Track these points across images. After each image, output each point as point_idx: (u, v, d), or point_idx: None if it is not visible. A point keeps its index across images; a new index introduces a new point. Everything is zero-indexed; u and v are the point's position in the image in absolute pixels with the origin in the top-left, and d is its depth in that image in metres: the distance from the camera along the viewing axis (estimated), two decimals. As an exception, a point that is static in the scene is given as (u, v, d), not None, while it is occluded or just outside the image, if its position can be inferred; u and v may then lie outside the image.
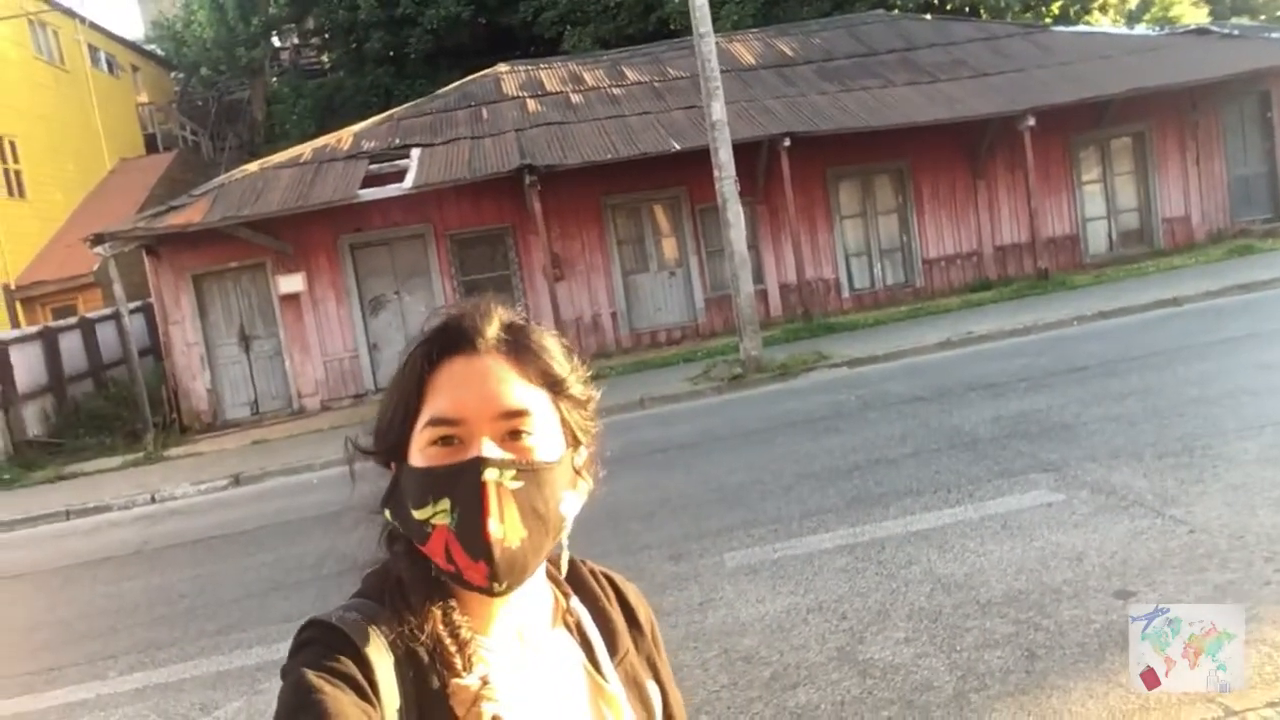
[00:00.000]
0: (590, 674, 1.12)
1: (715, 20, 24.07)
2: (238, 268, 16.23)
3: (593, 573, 1.20)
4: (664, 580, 5.74)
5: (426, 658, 0.99)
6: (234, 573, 7.74)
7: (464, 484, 0.97)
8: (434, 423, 1.00)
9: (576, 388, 1.09)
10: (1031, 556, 5.26)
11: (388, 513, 1.06)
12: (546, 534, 1.02)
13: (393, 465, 1.06)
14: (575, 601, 1.16)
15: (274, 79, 35.16)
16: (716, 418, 10.68)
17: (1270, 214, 18.40)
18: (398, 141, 16.84)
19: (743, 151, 14.62)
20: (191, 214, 15.23)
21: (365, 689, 0.94)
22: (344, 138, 17.43)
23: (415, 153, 16.19)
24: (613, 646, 1.15)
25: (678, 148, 15.29)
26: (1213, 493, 5.74)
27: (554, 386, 1.06)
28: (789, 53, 19.30)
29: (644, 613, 1.23)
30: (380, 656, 0.97)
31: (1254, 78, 17.41)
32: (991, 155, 17.21)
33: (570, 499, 1.06)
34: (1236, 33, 19.23)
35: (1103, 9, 23.37)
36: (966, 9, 23.58)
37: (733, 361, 13.38)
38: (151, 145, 30.98)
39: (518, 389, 1.02)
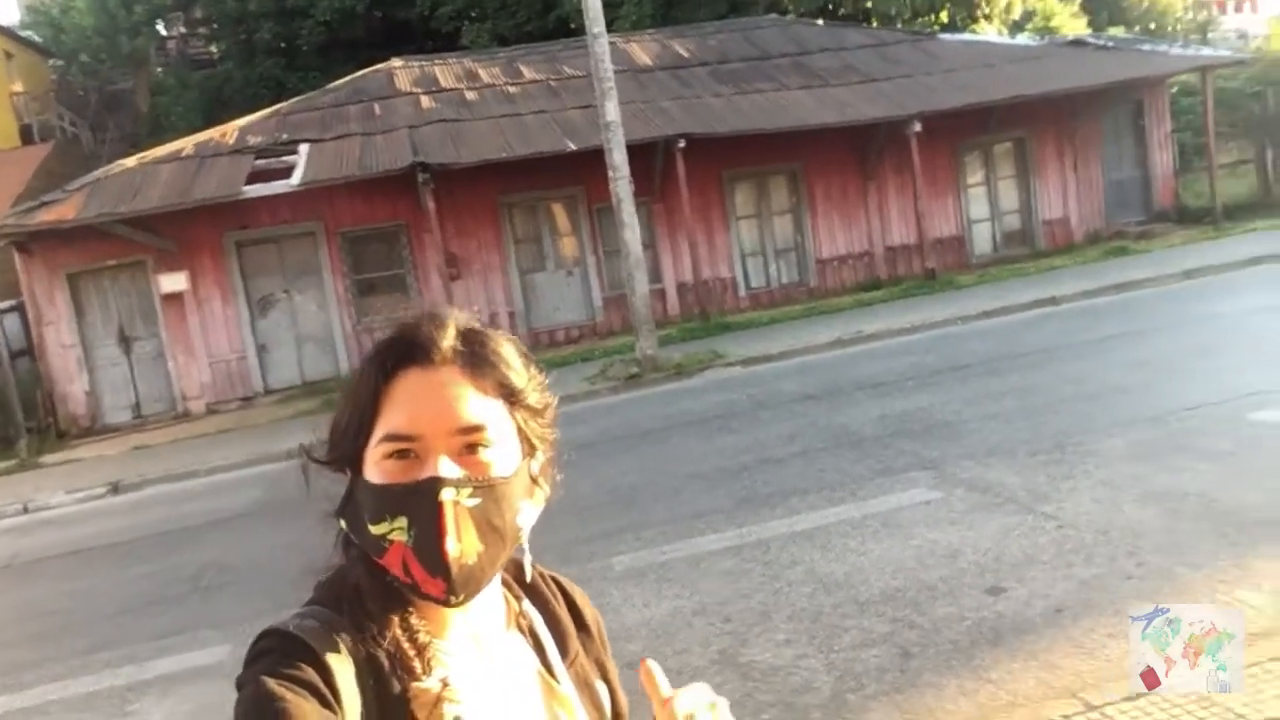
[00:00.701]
0: (543, 676, 1.12)
1: (613, 20, 24.16)
2: (116, 266, 15.59)
3: (542, 576, 1.20)
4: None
5: (387, 663, 0.99)
6: (109, 586, 7.44)
7: (421, 503, 0.97)
8: (389, 438, 0.99)
9: (533, 396, 1.07)
10: (909, 555, 5.39)
11: (343, 522, 1.05)
12: (503, 546, 1.03)
13: (347, 472, 1.05)
14: (527, 605, 1.16)
15: (159, 69, 33.90)
16: (613, 418, 10.69)
17: (1144, 216, 19.25)
18: (285, 137, 16.40)
19: (639, 152, 14.68)
20: (65, 210, 14.58)
21: (326, 696, 0.93)
22: (228, 132, 16.90)
23: (304, 148, 15.78)
24: (564, 649, 1.16)
25: (573, 147, 15.24)
26: (1081, 489, 5.97)
27: (511, 397, 1.05)
28: (685, 54, 19.42)
29: (590, 614, 1.23)
30: (340, 663, 0.96)
31: (1128, 87, 18.20)
32: (881, 159, 17.61)
33: (527, 509, 1.06)
34: (1112, 44, 20.06)
35: (988, 18, 24.11)
36: (859, 15, 24.04)
37: (629, 361, 13.41)
38: (27, 136, 29.54)
39: (474, 402, 1.01)
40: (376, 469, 1.00)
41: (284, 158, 15.57)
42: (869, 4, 24.11)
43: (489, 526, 1.00)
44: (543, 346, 16.57)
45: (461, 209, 16.20)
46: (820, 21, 22.13)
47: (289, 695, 0.91)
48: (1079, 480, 6.11)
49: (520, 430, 1.05)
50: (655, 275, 16.92)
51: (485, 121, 16.71)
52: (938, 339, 12.45)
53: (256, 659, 0.97)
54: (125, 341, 15.81)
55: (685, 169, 15.62)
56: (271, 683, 0.92)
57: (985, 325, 12.85)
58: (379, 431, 1.00)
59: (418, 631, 1.01)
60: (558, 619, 1.18)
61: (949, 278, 16.84)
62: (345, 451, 1.04)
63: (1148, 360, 9.12)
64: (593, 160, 14.16)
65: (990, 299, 14.19)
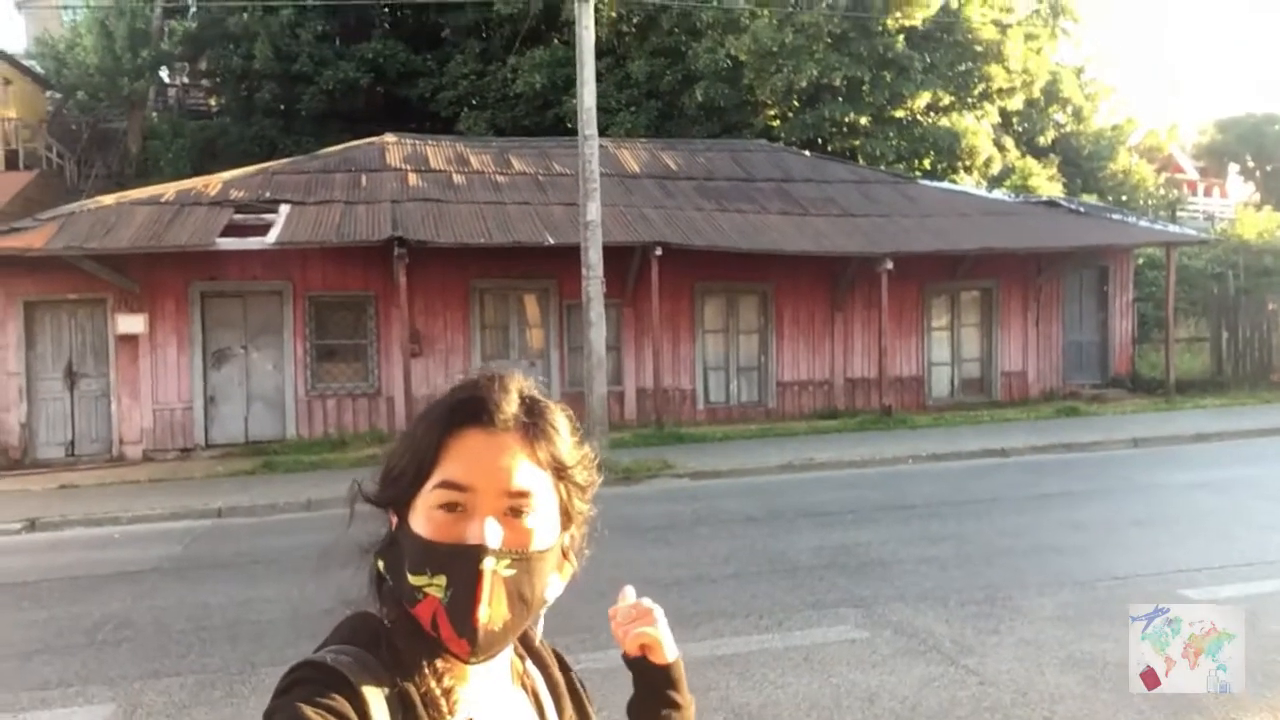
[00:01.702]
0: None
1: (608, 126, 24.76)
2: (76, 300, 15.41)
3: (540, 642, 1.26)
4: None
5: (418, 701, 1.03)
6: (0, 628, 7.12)
7: (462, 567, 1.01)
8: (445, 485, 1.04)
9: (581, 474, 1.13)
10: (827, 693, 5.28)
11: (380, 563, 1.11)
12: (528, 616, 1.09)
13: (393, 516, 1.10)
14: (530, 665, 1.23)
15: (155, 114, 34.11)
16: (551, 516, 10.52)
17: (1099, 380, 19.64)
18: (268, 195, 16.47)
19: (616, 254, 14.88)
20: (33, 238, 14.46)
21: None
22: (212, 183, 16.95)
23: (284, 209, 15.84)
24: (559, 710, 1.23)
25: (552, 242, 15.41)
26: (1006, 645, 5.91)
27: (560, 470, 1.10)
28: (673, 166, 19.86)
29: (576, 678, 1.30)
30: (375, 697, 1.00)
31: (1095, 253, 18.78)
32: (851, 291, 17.93)
33: (555, 582, 1.12)
34: (1083, 209, 20.75)
35: (969, 170, 24.95)
36: (846, 152, 24.79)
37: (578, 460, 13.28)
38: (12, 162, 29.46)
39: (526, 470, 1.06)
40: (425, 518, 1.05)
41: (263, 215, 15.61)
42: (856, 143, 24.89)
43: (519, 597, 1.05)
44: (495, 434, 16.43)
45: (433, 288, 16.24)
46: (807, 153, 22.77)
47: None
48: (1004, 636, 6.05)
49: (562, 503, 1.11)
50: (617, 378, 16.97)
51: (468, 205, 16.89)
52: (886, 475, 12.48)
53: (290, 688, 1.00)
54: (71, 377, 15.52)
55: (659, 276, 15.81)
56: (308, 710, 0.96)
57: (934, 468, 12.92)
58: (435, 478, 1.05)
59: (444, 674, 1.06)
60: (555, 682, 1.25)
61: (905, 416, 16.99)
62: (398, 495, 1.09)
63: (1085, 523, 9.16)
64: (569, 256, 14.31)
65: (942, 442, 14.30)
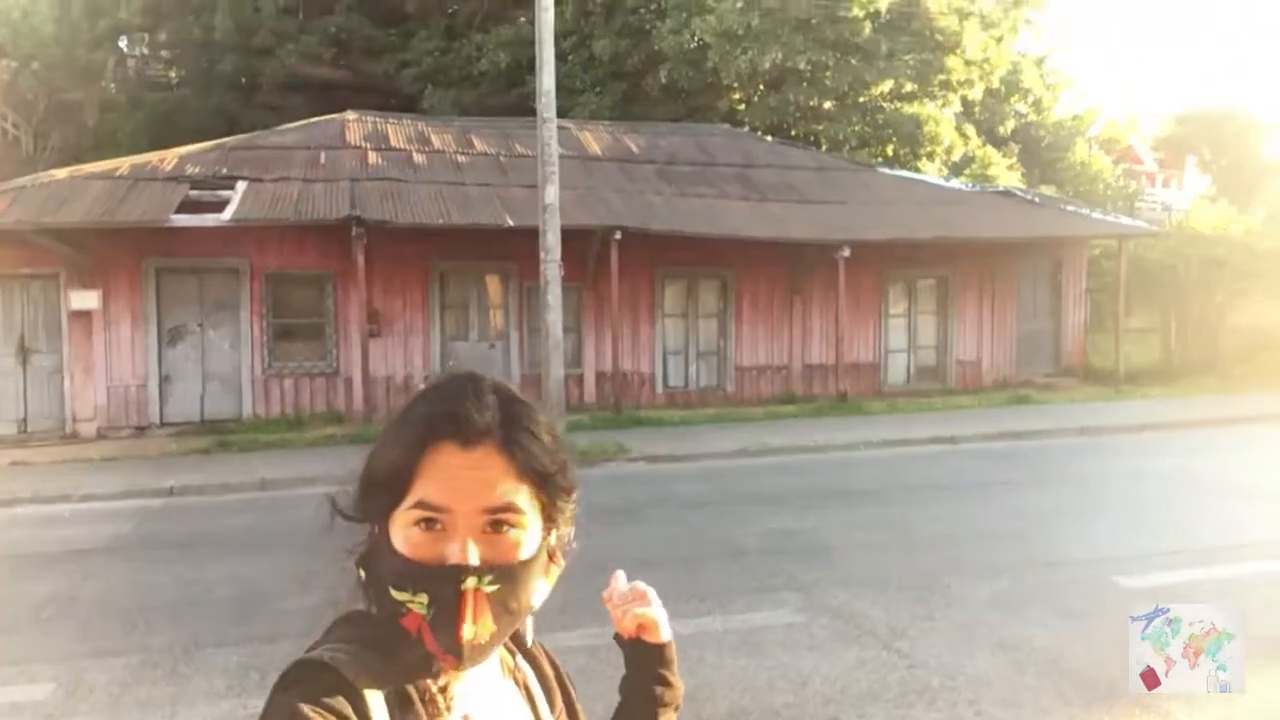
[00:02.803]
0: None
1: (573, 108, 24.69)
2: (28, 275, 15.20)
3: (534, 643, 1.27)
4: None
5: (415, 699, 1.04)
6: (-58, 608, 7.09)
7: (442, 588, 1.01)
8: (420, 505, 1.03)
9: (561, 478, 1.11)
10: (762, 676, 5.41)
11: (362, 573, 1.09)
12: (515, 624, 1.10)
13: (374, 527, 1.09)
14: (521, 660, 1.24)
15: (113, 85, 33.54)
16: (504, 498, 10.59)
17: (1051, 369, 19.98)
18: (225, 171, 16.31)
19: (577, 237, 14.90)
20: (-17, 211, 14.22)
21: None
22: (168, 158, 16.75)
23: (241, 185, 15.70)
24: (550, 703, 1.25)
25: (511, 223, 15.40)
26: (939, 630, 6.07)
27: (540, 478, 1.09)
28: (635, 149, 19.88)
29: (564, 672, 1.32)
30: (373, 695, 1.01)
31: (1049, 243, 19.06)
32: (810, 277, 18.07)
33: (541, 588, 1.12)
34: (1038, 200, 21.03)
35: (930, 157, 25.16)
36: (809, 136, 24.91)
37: (534, 442, 13.34)
38: (-37, 132, 28.92)
39: (504, 484, 1.05)
40: (403, 535, 1.04)
41: (219, 191, 15.46)
42: (820, 128, 25.02)
43: (504, 610, 1.05)
44: (453, 415, 16.45)
45: (392, 268, 16.18)
46: (769, 138, 22.85)
47: None
48: (938, 621, 6.22)
49: (545, 508, 1.10)
50: (576, 360, 17.03)
51: (429, 186, 16.82)
52: (838, 461, 12.67)
53: (289, 687, 1.00)
54: (23, 353, 15.32)
55: (619, 260, 15.86)
56: (307, 709, 0.96)
57: (885, 454, 13.12)
58: (410, 498, 1.04)
59: (438, 671, 1.07)
60: (545, 676, 1.27)
61: (860, 402, 17.20)
62: (373, 512, 1.08)
63: (1026, 510, 9.38)
64: (529, 239, 14.30)
65: (895, 429, 14.51)
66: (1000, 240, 18.12)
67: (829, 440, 13.71)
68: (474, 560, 1.02)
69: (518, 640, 1.23)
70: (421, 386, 1.14)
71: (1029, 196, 21.28)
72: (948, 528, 8.73)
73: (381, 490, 1.07)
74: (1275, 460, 11.78)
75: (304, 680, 1.01)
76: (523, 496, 1.06)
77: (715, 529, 8.91)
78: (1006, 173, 26.77)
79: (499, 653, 1.18)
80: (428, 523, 1.03)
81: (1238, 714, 4.72)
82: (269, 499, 10.98)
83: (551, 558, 1.14)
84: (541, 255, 13.10)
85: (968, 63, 25.29)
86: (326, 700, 0.98)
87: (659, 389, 17.80)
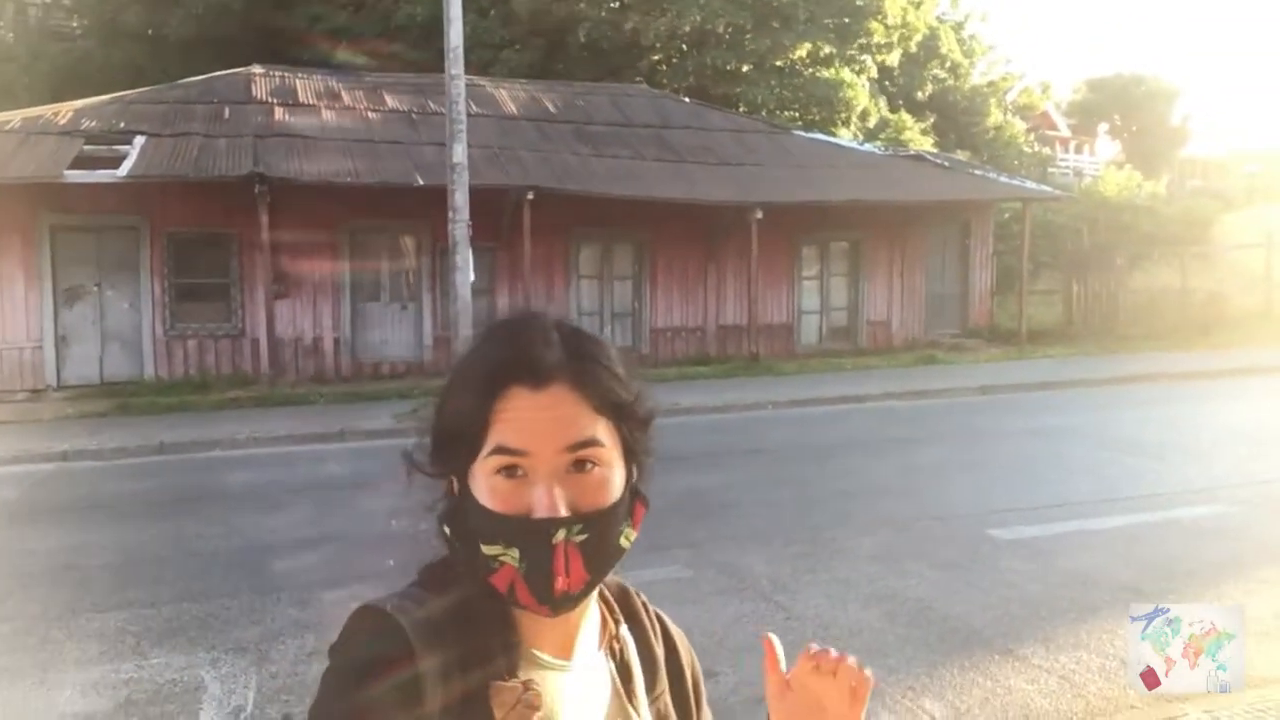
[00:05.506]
0: (624, 701, 1.13)
1: (492, 64, 24.36)
2: (-88, 232, 14.60)
3: (645, 606, 1.23)
4: (281, 625, 5.59)
5: (475, 656, 1.00)
6: None
7: (534, 541, 0.99)
8: (499, 450, 1.00)
9: (640, 408, 1.08)
10: (642, 630, 5.50)
11: (447, 529, 1.06)
12: (608, 569, 1.05)
13: (453, 479, 1.05)
14: (625, 630, 1.17)
15: (11, 35, 32.10)
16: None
17: (958, 330, 20.44)
18: (123, 125, 15.78)
19: (490, 197, 14.76)
20: None
21: (409, 681, 0.96)
22: (62, 111, 16.15)
23: (139, 140, 15.21)
24: (651, 681, 1.17)
25: (421, 183, 15.19)
26: (820, 583, 6.24)
27: (618, 410, 1.05)
28: (551, 109, 19.70)
29: (687, 659, 1.25)
30: (429, 649, 0.98)
31: (957, 206, 19.42)
32: (726, 239, 18.18)
33: (629, 530, 1.08)
34: (948, 164, 21.41)
35: (845, 122, 25.39)
36: (728, 98, 24.93)
37: (444, 404, 13.28)
38: None
39: (583, 420, 1.01)
40: (486, 486, 1.00)
41: (117, 146, 14.96)
42: (738, 90, 25.05)
43: (597, 557, 1.01)
44: (365, 378, 16.30)
45: (299, 227, 15.81)
46: (687, 100, 22.83)
47: (370, 679, 0.95)
48: (819, 575, 6.38)
49: (624, 443, 1.06)
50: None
51: (337, 143, 16.49)
52: (747, 421, 12.84)
53: (350, 636, 1.00)
54: (-91, 313, 14.74)
55: (532, 221, 15.76)
56: (357, 663, 0.97)
57: (793, 413, 13.34)
58: (489, 445, 1.00)
59: (510, 631, 1.03)
60: (652, 651, 1.19)
61: (772, 363, 17.42)
62: (452, 463, 1.04)
63: (919, 466, 9.64)
64: (441, 198, 14.13)
65: (804, 389, 14.74)
66: (911, 204, 18.42)
67: (738, 400, 13.88)
68: (562, 509, 0.99)
69: (629, 609, 1.20)
70: (482, 330, 1.10)
71: (940, 161, 21.64)
72: (842, 484, 8.92)
73: (458, 441, 1.03)
74: (1162, 416, 12.24)
75: (360, 630, 1.00)
76: (602, 430, 1.03)
77: (615, 488, 8.98)
78: (920, 137, 27.17)
79: (598, 619, 1.15)
80: (509, 470, 1.00)
81: (1091, 658, 4.95)
82: (165, 463, 10.78)
83: (637, 498, 1.10)
84: (450, 215, 12.96)
85: (888, 27, 25.50)
86: (379, 654, 0.97)
87: (574, 350, 17.77)
